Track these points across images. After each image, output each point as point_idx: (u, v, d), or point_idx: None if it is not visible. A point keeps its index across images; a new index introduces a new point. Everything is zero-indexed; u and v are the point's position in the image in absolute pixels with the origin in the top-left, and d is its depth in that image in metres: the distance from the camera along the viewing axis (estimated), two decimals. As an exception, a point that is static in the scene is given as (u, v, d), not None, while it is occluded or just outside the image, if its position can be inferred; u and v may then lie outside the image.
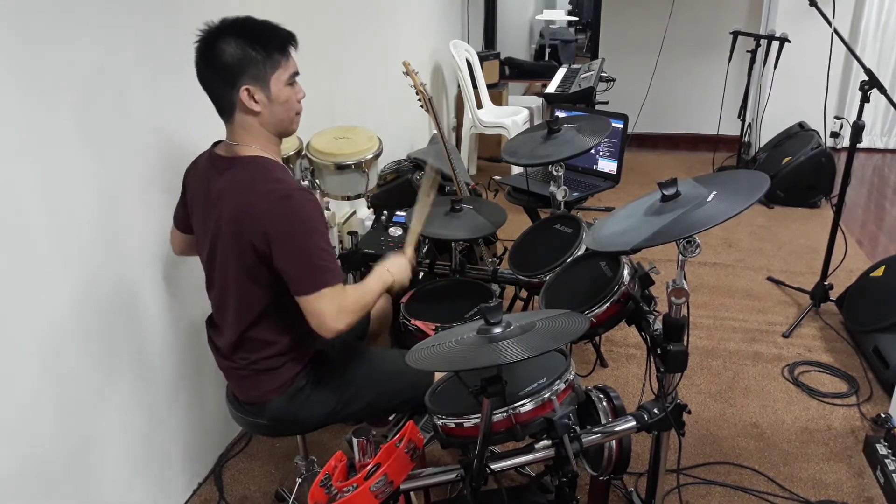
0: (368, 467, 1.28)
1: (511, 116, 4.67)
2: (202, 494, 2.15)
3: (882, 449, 2.12)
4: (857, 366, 2.67)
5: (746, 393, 2.54)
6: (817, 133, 4.34)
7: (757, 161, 4.65)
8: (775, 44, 4.40)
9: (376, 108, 3.54)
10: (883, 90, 2.55)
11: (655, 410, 1.49)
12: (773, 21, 4.85)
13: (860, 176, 4.92)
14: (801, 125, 4.59)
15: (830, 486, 2.10)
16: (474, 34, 5.68)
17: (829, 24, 2.84)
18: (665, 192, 1.44)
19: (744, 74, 4.73)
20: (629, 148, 5.01)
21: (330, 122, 2.82)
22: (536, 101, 5.41)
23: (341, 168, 2.19)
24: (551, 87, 3.66)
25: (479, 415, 1.27)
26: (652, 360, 1.54)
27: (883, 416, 2.28)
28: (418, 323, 1.91)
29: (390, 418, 2.19)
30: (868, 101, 2.65)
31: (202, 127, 1.98)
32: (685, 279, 1.40)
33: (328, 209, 2.37)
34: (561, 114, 2.52)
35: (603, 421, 1.48)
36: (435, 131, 3.16)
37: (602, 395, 1.53)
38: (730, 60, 4.58)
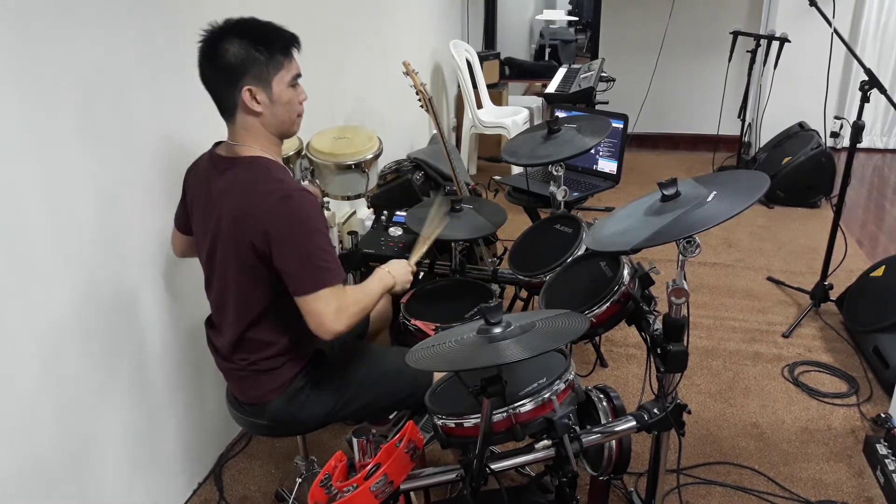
0: (368, 467, 1.28)
1: (511, 116, 4.67)
2: (202, 494, 2.15)
3: (882, 449, 2.12)
4: (857, 366, 2.67)
5: (746, 393, 2.54)
6: (817, 133, 4.34)
7: (757, 161, 4.65)
8: (775, 44, 4.40)
9: (376, 108, 3.54)
10: (883, 90, 2.55)
11: (655, 410, 1.49)
12: (773, 21, 4.85)
13: (860, 176, 4.92)
14: (801, 125, 4.59)
15: (830, 486, 2.10)
16: (474, 34, 5.68)
17: (829, 24, 2.84)
18: (665, 192, 1.44)
19: (744, 74, 4.73)
20: (629, 148, 5.01)
21: (330, 122, 2.82)
22: (536, 101, 5.41)
23: (341, 168, 2.19)
24: (551, 87, 3.66)
25: (479, 415, 1.27)
26: (652, 360, 1.54)
27: (883, 416, 2.28)
28: (418, 323, 1.91)
29: (390, 417, 2.20)
30: (868, 101, 2.65)
31: (202, 127, 1.98)
32: (685, 279, 1.40)
33: (328, 209, 2.37)
34: (561, 114, 2.52)
35: (603, 421, 1.48)
36: (435, 131, 3.16)
37: (602, 395, 1.53)
38: (730, 60, 4.58)
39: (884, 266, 2.81)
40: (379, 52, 3.57)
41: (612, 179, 2.88)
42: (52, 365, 1.56)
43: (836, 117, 3.03)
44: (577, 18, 8.75)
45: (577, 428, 1.39)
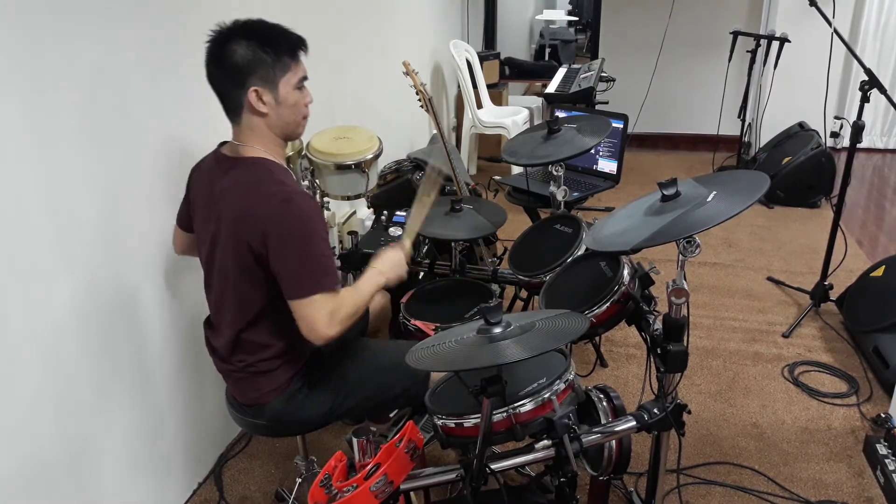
0: (368, 467, 1.28)
1: (511, 116, 4.67)
2: (202, 494, 2.15)
3: (882, 449, 2.12)
4: (857, 366, 2.67)
5: (746, 393, 2.54)
6: (817, 133, 4.34)
7: (757, 161, 4.65)
8: (775, 44, 4.40)
9: (376, 108, 3.54)
10: (883, 90, 2.55)
11: (655, 410, 1.49)
12: (773, 21, 4.85)
13: (860, 176, 4.92)
14: (801, 125, 4.59)
15: (830, 486, 2.10)
16: (474, 34, 5.68)
17: (829, 24, 2.84)
18: (665, 192, 1.44)
19: (744, 74, 4.73)
20: (629, 148, 5.01)
21: (330, 122, 2.82)
22: (536, 101, 5.41)
23: (341, 168, 2.19)
24: (551, 87, 3.66)
25: (479, 415, 1.27)
26: (652, 360, 1.54)
27: (883, 416, 2.28)
28: (418, 323, 1.91)
29: (391, 416, 2.20)
30: (868, 101, 2.65)
31: (202, 127, 1.98)
32: (685, 279, 1.40)
33: (328, 209, 2.37)
34: (561, 114, 2.52)
35: (603, 421, 1.48)
36: (435, 131, 3.16)
37: (602, 395, 1.53)
38: (730, 60, 4.58)
39: (884, 266, 2.81)
40: (379, 52, 3.57)
41: (612, 179, 2.88)
42: (52, 365, 1.56)
43: (836, 117, 3.03)
44: (577, 18, 8.75)
45: (577, 428, 1.39)
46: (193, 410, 2.12)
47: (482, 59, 5.04)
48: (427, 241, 2.58)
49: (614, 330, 1.72)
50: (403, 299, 2.07)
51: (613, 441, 1.47)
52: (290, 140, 1.61)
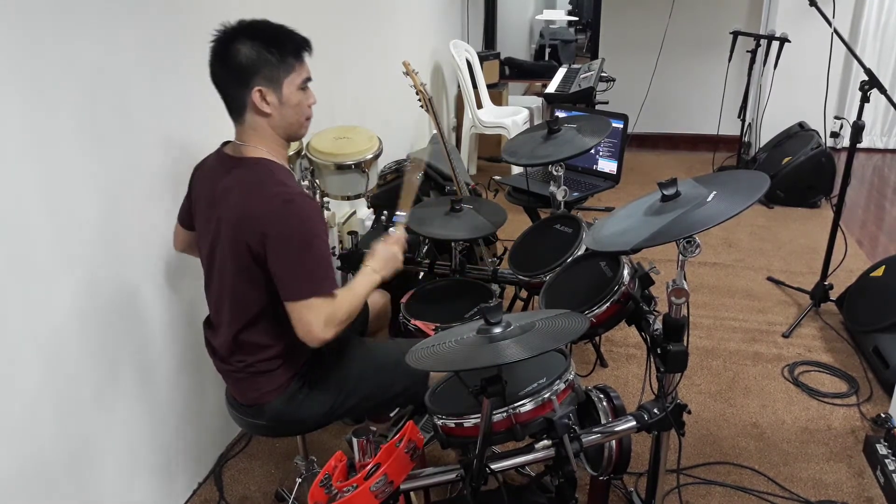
0: (368, 467, 1.28)
1: (511, 116, 4.67)
2: (202, 494, 2.15)
3: (882, 449, 2.12)
4: (857, 366, 2.67)
5: (746, 393, 2.54)
6: (817, 133, 4.34)
7: (757, 161, 4.65)
8: (775, 44, 4.40)
9: (376, 108, 3.54)
10: (883, 90, 2.55)
11: (655, 410, 1.49)
12: (773, 21, 4.85)
13: (860, 176, 4.92)
14: (801, 125, 4.59)
15: (830, 486, 2.10)
16: (474, 34, 5.68)
17: (829, 24, 2.84)
18: (665, 192, 1.44)
19: (744, 74, 4.73)
20: (629, 148, 5.01)
21: (330, 122, 2.82)
22: (536, 101, 5.42)
23: (341, 168, 2.19)
24: (551, 87, 3.66)
25: (479, 415, 1.27)
26: (652, 360, 1.54)
27: (883, 416, 2.28)
28: (418, 323, 1.91)
29: (391, 415, 2.20)
30: (868, 101, 2.65)
31: (202, 127, 1.98)
32: (685, 279, 1.40)
33: (328, 209, 2.37)
34: (561, 114, 2.52)
35: (603, 421, 1.48)
36: (435, 131, 3.16)
37: (602, 395, 1.53)
38: (730, 60, 4.58)
39: (884, 266, 2.81)
40: (379, 52, 3.57)
41: (612, 179, 2.88)
42: (53, 365, 1.56)
43: (836, 117, 3.03)
44: (577, 18, 8.75)
45: (577, 428, 1.39)
46: (193, 410, 2.12)
47: (482, 59, 5.04)
48: (427, 241, 2.58)
49: (614, 330, 1.72)
50: (403, 299, 2.07)
51: (613, 441, 1.47)
52: (293, 140, 1.62)
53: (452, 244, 2.23)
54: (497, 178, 3.21)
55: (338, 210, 2.92)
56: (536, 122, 4.55)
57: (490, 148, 5.11)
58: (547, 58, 7.32)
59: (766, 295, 3.25)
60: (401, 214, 2.54)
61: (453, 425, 1.36)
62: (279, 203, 1.43)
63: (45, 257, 1.51)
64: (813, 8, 2.88)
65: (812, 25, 3.77)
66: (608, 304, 1.56)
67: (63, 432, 1.60)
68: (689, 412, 1.57)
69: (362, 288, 1.60)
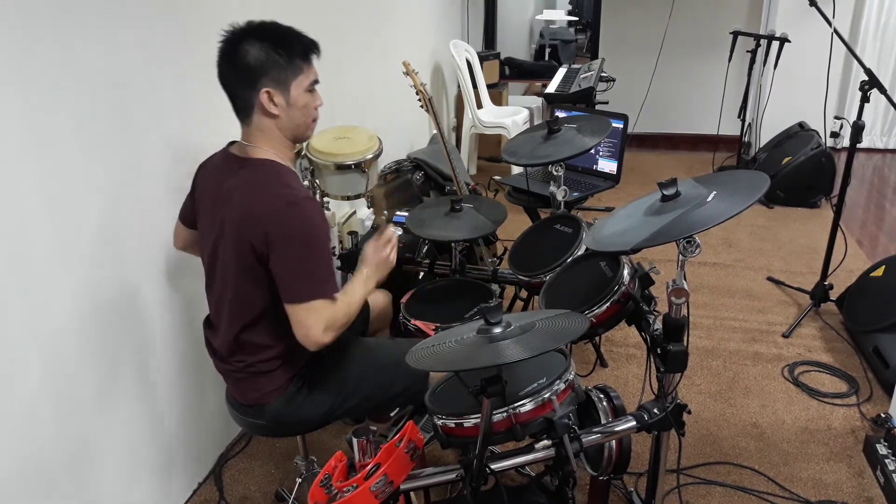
0: (368, 467, 1.28)
1: (511, 116, 4.67)
2: (202, 494, 2.15)
3: (882, 449, 2.12)
4: (857, 366, 2.67)
5: (746, 393, 2.54)
6: (817, 133, 4.34)
7: (757, 161, 4.65)
8: (775, 44, 4.40)
9: (376, 108, 3.54)
10: (883, 90, 2.55)
11: (655, 410, 1.49)
12: (773, 21, 4.85)
13: (860, 176, 4.92)
14: (801, 125, 4.59)
15: (830, 486, 2.10)
16: (474, 34, 5.68)
17: (829, 24, 2.84)
18: (665, 192, 1.44)
19: (744, 74, 4.73)
20: (629, 148, 5.01)
21: (330, 122, 2.82)
22: (536, 101, 5.42)
23: (341, 168, 2.19)
24: (551, 87, 3.66)
25: (479, 415, 1.27)
26: (652, 360, 1.54)
27: (883, 416, 2.28)
28: (418, 323, 1.91)
29: (391, 415, 2.20)
30: (868, 101, 2.65)
31: (202, 127, 1.98)
32: (685, 279, 1.40)
33: (328, 209, 2.37)
34: (561, 114, 2.53)
35: (603, 421, 1.48)
36: (435, 131, 3.16)
37: (602, 395, 1.53)
38: (730, 60, 4.58)
39: (884, 266, 2.81)
40: (379, 52, 3.57)
41: (612, 179, 2.88)
42: (53, 365, 1.56)
43: (836, 117, 3.03)
44: (577, 18, 8.75)
45: (577, 428, 1.39)
46: (193, 410, 2.12)
47: (482, 59, 5.04)
48: (427, 241, 2.58)
49: (614, 330, 1.72)
50: (403, 299, 2.07)
51: (613, 441, 1.47)
52: (300, 142, 1.62)
53: (452, 244, 2.23)
54: (497, 178, 3.21)
55: (338, 210, 2.92)
56: (536, 122, 4.55)
57: (490, 148, 5.11)
58: (547, 58, 7.32)
59: (766, 295, 3.25)
60: (401, 214, 2.54)
61: (453, 425, 1.36)
62: (283, 205, 1.44)
63: (45, 257, 1.51)
64: (813, 8, 2.88)
65: (812, 25, 3.77)
66: (608, 304, 1.56)
67: (63, 432, 1.60)
68: (689, 412, 1.57)
69: (358, 292, 1.60)
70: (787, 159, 4.26)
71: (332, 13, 3.00)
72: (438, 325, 1.88)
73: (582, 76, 3.65)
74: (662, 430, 1.53)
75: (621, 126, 2.81)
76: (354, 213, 3.09)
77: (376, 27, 3.59)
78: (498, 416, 1.29)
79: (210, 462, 2.24)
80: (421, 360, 1.28)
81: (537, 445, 1.40)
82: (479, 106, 4.82)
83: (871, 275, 2.84)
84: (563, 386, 1.34)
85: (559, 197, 2.13)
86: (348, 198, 2.27)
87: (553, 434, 1.32)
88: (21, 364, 1.47)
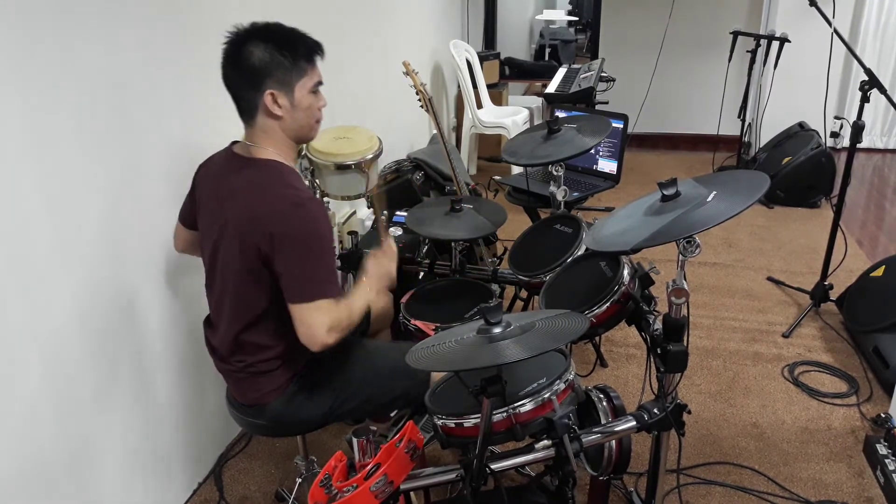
0: (368, 467, 1.28)
1: (511, 116, 4.67)
2: (202, 494, 2.15)
3: (882, 449, 2.12)
4: (857, 366, 2.67)
5: (746, 393, 2.54)
6: (817, 133, 4.34)
7: (757, 161, 4.65)
8: (775, 44, 4.40)
9: (376, 108, 3.54)
10: (883, 90, 2.55)
11: (655, 410, 1.49)
12: (773, 21, 4.85)
13: (860, 176, 4.92)
14: (801, 125, 4.59)
15: (830, 486, 2.10)
16: (474, 34, 5.68)
17: (829, 24, 2.84)
18: (665, 192, 1.44)
19: (744, 74, 4.73)
20: (629, 148, 5.01)
21: (330, 122, 2.82)
22: (536, 101, 5.42)
23: (341, 168, 2.18)
24: (551, 87, 3.66)
25: (479, 415, 1.27)
26: (652, 360, 1.54)
27: (883, 416, 2.28)
28: (418, 323, 1.91)
29: (391, 415, 2.20)
30: (868, 101, 2.65)
31: (202, 127, 1.98)
32: (685, 279, 1.40)
33: (328, 209, 2.37)
34: (561, 114, 2.52)
35: (603, 421, 1.48)
36: (435, 131, 3.16)
37: (602, 395, 1.53)
38: (730, 60, 4.58)
39: (884, 266, 2.81)
40: (379, 52, 3.57)
41: (612, 179, 2.88)
42: (53, 365, 1.56)
43: (836, 117, 3.03)
44: (577, 18, 8.75)
45: (577, 428, 1.39)
46: (193, 410, 2.12)
47: (482, 59, 5.04)
48: (427, 241, 2.58)
49: (614, 330, 1.72)
50: (403, 299, 2.07)
51: (613, 441, 1.47)
52: (303, 143, 1.63)
53: (452, 244, 2.23)
54: (497, 178, 3.21)
55: (338, 210, 2.92)
56: (536, 122, 4.55)
57: (490, 148, 5.11)
58: (547, 58, 7.32)
59: (766, 295, 3.25)
60: (401, 214, 2.54)
61: (453, 425, 1.36)
62: (289, 205, 1.44)
63: (45, 257, 1.51)
64: (813, 8, 2.88)
65: (812, 25, 3.77)
66: (608, 304, 1.56)
67: (63, 432, 1.60)
68: (689, 412, 1.57)
69: (360, 301, 1.61)
70: (787, 159, 4.26)
71: (332, 13, 3.00)
72: (438, 325, 1.88)
73: (582, 76, 3.65)
74: (662, 430, 1.53)
75: (621, 126, 2.81)
76: (354, 213, 3.09)
77: (376, 27, 3.59)
78: (498, 416, 1.29)
79: (210, 462, 2.24)
80: (421, 360, 1.28)
81: (537, 445, 1.40)
82: (479, 106, 4.82)
83: (871, 275, 2.84)
84: (563, 386, 1.34)
85: (559, 197, 2.13)
86: (348, 198, 2.27)
87: (553, 434, 1.32)
88: (21, 364, 1.47)
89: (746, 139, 4.96)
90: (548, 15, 8.31)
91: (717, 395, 2.54)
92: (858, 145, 2.72)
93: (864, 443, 2.24)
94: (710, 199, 1.36)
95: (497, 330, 1.25)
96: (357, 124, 2.41)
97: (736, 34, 4.50)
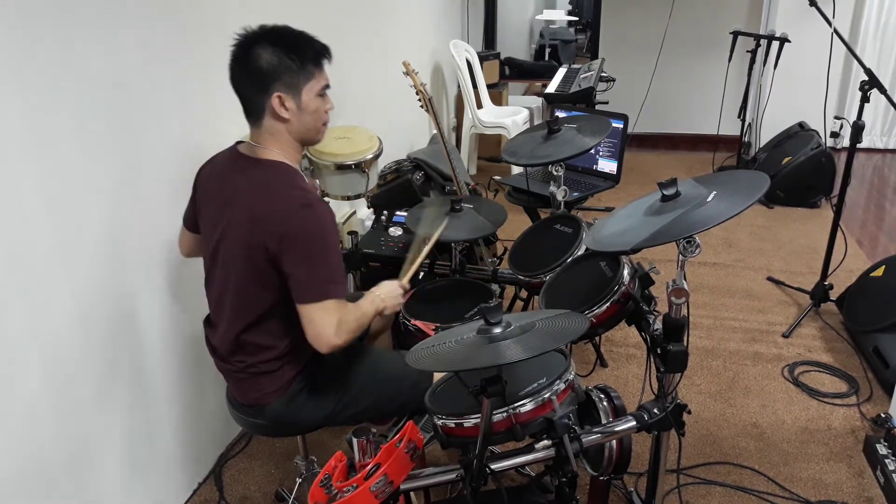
0: (368, 467, 1.28)
1: (511, 116, 4.67)
2: (202, 494, 2.15)
3: (882, 449, 2.12)
4: (857, 366, 2.67)
5: (746, 393, 2.54)
6: (817, 133, 4.34)
7: (757, 161, 4.65)
8: (775, 44, 4.40)
9: (376, 108, 3.54)
10: (883, 90, 2.55)
11: (655, 410, 1.49)
12: (773, 21, 4.85)
13: (860, 176, 4.92)
14: (801, 125, 4.59)
15: (830, 486, 2.10)
16: (474, 34, 5.68)
17: (829, 24, 2.84)
18: (665, 192, 1.44)
19: (744, 74, 4.73)
20: (629, 148, 5.01)
21: (330, 122, 2.82)
22: (536, 101, 5.42)
23: (341, 168, 2.19)
24: (551, 87, 3.67)
25: (479, 415, 1.27)
26: (652, 360, 1.54)
27: (883, 416, 2.28)
28: (418, 323, 1.91)
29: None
30: (868, 101, 2.65)
31: (202, 127, 1.99)
32: (685, 279, 1.40)
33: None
34: (561, 114, 2.53)
35: (603, 421, 1.48)
36: (435, 131, 3.16)
37: (602, 395, 1.53)
38: (730, 60, 4.58)
39: (884, 266, 2.81)
40: (379, 52, 3.57)
41: (612, 179, 2.88)
42: (53, 365, 1.56)
43: (836, 117, 3.03)
44: (577, 18, 8.75)
45: (577, 428, 1.39)
46: (193, 410, 2.11)
47: (482, 59, 5.04)
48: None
49: (614, 330, 1.72)
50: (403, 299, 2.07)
51: (613, 441, 1.47)
52: (309, 145, 1.63)
53: (452, 244, 2.23)
54: (497, 178, 3.21)
55: (338, 210, 2.92)
56: (536, 122, 4.55)
57: (490, 148, 5.11)
58: (547, 58, 7.32)
59: (766, 295, 3.25)
60: (401, 214, 2.54)
61: (453, 425, 1.36)
62: (298, 207, 1.44)
63: (45, 257, 1.51)
64: (813, 8, 2.88)
65: (812, 25, 3.77)
66: (608, 304, 1.56)
67: (63, 432, 1.60)
68: (689, 412, 1.57)
69: (368, 307, 1.61)
70: (787, 159, 4.26)
71: (332, 13, 3.00)
72: (438, 325, 1.88)
73: (582, 76, 3.65)
74: (662, 430, 1.53)
75: (621, 126, 2.81)
76: (354, 213, 3.10)
77: (376, 27, 3.59)
78: (498, 416, 1.29)
79: (210, 462, 2.24)
80: (421, 360, 1.28)
81: (537, 445, 1.40)
82: (479, 106, 4.82)
83: (871, 275, 2.84)
84: (563, 386, 1.34)
85: (559, 197, 2.13)
86: (348, 198, 2.28)
87: (553, 434, 1.32)
88: (21, 364, 1.47)
89: (746, 139, 4.96)
90: (548, 15, 8.31)
91: (717, 395, 2.54)
92: (858, 145, 2.72)
93: (864, 443, 2.24)
94: (710, 199, 1.36)
95: (497, 330, 1.25)
96: (357, 124, 2.41)
97: (736, 34, 4.50)
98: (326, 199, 2.27)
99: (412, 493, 1.48)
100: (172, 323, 1.98)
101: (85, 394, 1.67)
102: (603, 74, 3.59)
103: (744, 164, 4.81)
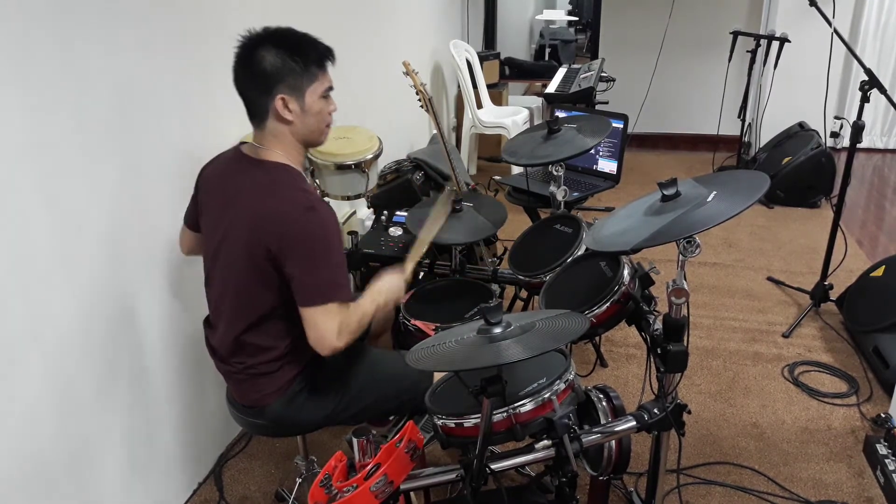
0: (368, 467, 1.28)
1: (511, 116, 4.67)
2: (202, 494, 2.15)
3: (882, 449, 2.12)
4: (857, 366, 2.67)
5: (746, 393, 2.54)
6: (817, 133, 4.34)
7: (757, 161, 4.65)
8: (775, 44, 4.40)
9: (376, 108, 3.54)
10: (883, 90, 2.55)
11: (655, 410, 1.49)
12: (773, 21, 4.85)
13: (860, 176, 4.92)
14: (801, 125, 4.59)
15: (830, 486, 2.10)
16: (474, 34, 5.68)
17: (829, 24, 2.84)
18: (665, 192, 1.44)
19: (744, 74, 4.73)
20: (629, 148, 5.01)
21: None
22: (536, 101, 5.41)
23: (341, 168, 2.19)
24: (551, 87, 3.67)
25: (479, 415, 1.27)
26: (652, 360, 1.54)
27: (883, 416, 2.28)
28: (418, 323, 1.91)
29: (390, 418, 2.19)
30: (868, 101, 2.65)
31: (202, 127, 1.98)
32: (685, 279, 1.40)
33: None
34: (561, 114, 2.52)
35: (603, 421, 1.48)
36: (435, 131, 3.16)
37: (602, 395, 1.53)
38: (730, 60, 4.58)
39: (884, 266, 2.81)
40: (379, 52, 3.57)
41: (612, 179, 2.88)
42: (53, 365, 1.56)
43: (836, 117, 3.03)
44: (577, 18, 8.75)
45: (577, 428, 1.39)
46: (193, 410, 2.11)
47: (482, 59, 5.04)
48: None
49: (614, 330, 1.72)
50: (403, 299, 2.07)
51: (613, 441, 1.47)
52: (312, 146, 1.63)
53: (453, 245, 2.23)
54: (497, 178, 3.21)
55: (338, 210, 2.92)
56: (536, 122, 4.55)
57: (490, 148, 5.11)
58: (547, 58, 7.32)
59: (766, 295, 3.25)
60: (401, 214, 2.54)
61: (453, 425, 1.36)
62: (301, 209, 1.44)
63: (45, 257, 1.51)
64: (813, 8, 2.88)
65: (812, 25, 3.77)
66: (608, 304, 1.56)
67: (63, 432, 1.60)
68: (689, 412, 1.57)
69: (369, 306, 1.60)
70: (787, 159, 4.26)
71: (332, 13, 3.01)
72: (438, 325, 1.88)
73: (582, 76, 3.65)
74: (662, 430, 1.53)
75: (621, 126, 2.81)
76: (354, 213, 3.10)
77: (376, 27, 3.59)
78: (498, 416, 1.29)
79: (210, 462, 2.24)
80: (421, 360, 1.28)
81: (537, 445, 1.40)
82: (479, 106, 4.82)
83: (871, 275, 2.84)
84: (563, 386, 1.34)
85: (559, 197, 2.13)
86: (348, 198, 2.27)
87: (553, 434, 1.32)
88: (21, 364, 1.47)
89: (746, 139, 4.96)
90: (548, 15, 8.31)
91: (717, 395, 2.54)
92: (858, 145, 2.72)
93: (864, 443, 2.24)
94: (710, 199, 1.36)
95: (497, 330, 1.25)
96: (357, 124, 2.41)
97: (736, 34, 4.50)
98: (326, 199, 2.28)
99: (412, 493, 1.48)
100: (172, 323, 1.98)
101: (85, 394, 1.67)
102: (603, 74, 3.59)
103: (744, 164, 4.81)
